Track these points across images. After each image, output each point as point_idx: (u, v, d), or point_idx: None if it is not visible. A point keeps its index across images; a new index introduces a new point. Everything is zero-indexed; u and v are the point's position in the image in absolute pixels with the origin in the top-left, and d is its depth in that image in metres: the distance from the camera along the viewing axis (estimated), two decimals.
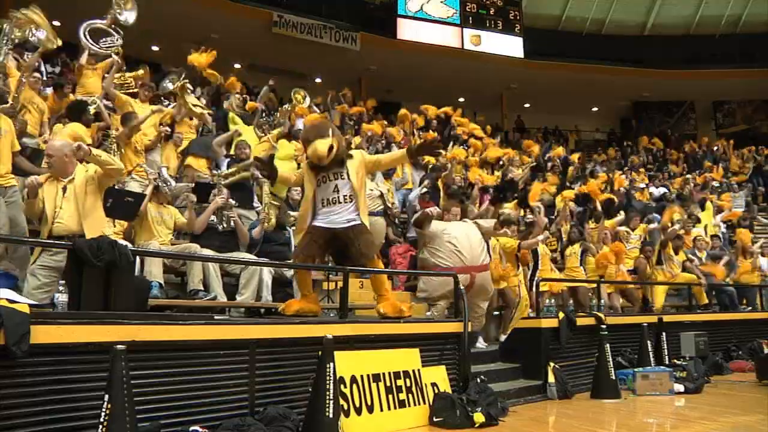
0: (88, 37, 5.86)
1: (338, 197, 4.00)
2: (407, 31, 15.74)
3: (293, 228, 5.27)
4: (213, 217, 4.81)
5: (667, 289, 8.05)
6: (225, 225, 4.83)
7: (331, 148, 3.86)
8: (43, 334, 2.47)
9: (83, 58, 6.20)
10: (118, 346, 2.47)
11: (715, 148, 16.88)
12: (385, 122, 11.36)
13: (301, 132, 4.11)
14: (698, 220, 10.30)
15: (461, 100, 17.39)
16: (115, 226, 4.16)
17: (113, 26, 5.92)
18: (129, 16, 5.88)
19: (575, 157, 13.24)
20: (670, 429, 4.21)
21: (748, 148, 16.29)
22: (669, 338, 6.31)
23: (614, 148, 17.23)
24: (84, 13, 5.94)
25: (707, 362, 6.37)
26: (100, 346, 2.61)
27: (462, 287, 4.62)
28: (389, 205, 6.84)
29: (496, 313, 6.06)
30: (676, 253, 8.09)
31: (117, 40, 5.92)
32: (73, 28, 5.95)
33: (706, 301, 8.13)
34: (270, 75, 10.52)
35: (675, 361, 6.08)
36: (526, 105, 19.02)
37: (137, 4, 5.91)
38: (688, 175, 14.04)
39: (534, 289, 6.08)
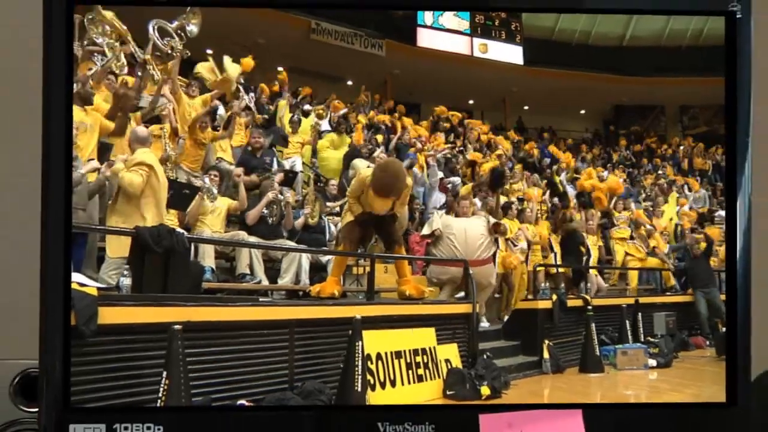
0: (156, 31, 5.73)
1: None
2: (425, 39, 15.45)
3: (328, 217, 5.21)
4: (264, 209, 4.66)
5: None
6: (275, 219, 4.68)
7: (390, 209, 4.00)
8: (109, 315, 2.36)
9: (148, 49, 6.02)
10: (175, 326, 2.39)
11: (681, 147, 16.63)
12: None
13: (379, 169, 4.13)
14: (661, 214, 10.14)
15: (471, 102, 17.17)
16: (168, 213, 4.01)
17: (179, 31, 5.76)
18: (194, 28, 5.77)
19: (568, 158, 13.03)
20: (644, 399, 4.17)
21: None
22: (644, 318, 6.21)
23: (599, 147, 17.03)
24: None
25: (675, 339, 6.27)
26: (159, 326, 2.48)
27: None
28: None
29: (498, 296, 5.96)
30: (650, 237, 8.03)
31: (178, 43, 5.76)
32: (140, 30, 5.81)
33: (673, 283, 8.05)
34: (310, 78, 10.35)
35: (649, 338, 5.98)
36: (525, 107, 18.74)
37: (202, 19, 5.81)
38: (659, 172, 13.84)
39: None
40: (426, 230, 5.08)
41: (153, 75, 5.52)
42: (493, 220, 5.36)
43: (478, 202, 5.70)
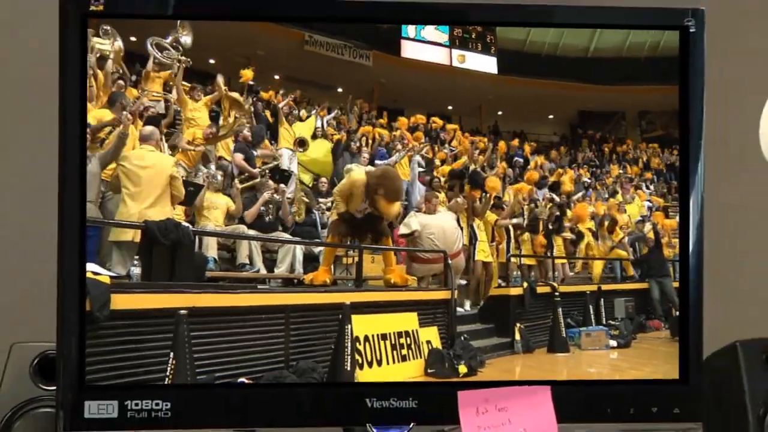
0: (154, 47, 5.68)
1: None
2: (409, 50, 15.47)
3: (319, 211, 5.18)
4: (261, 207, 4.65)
5: (604, 263, 8.03)
6: (272, 217, 4.67)
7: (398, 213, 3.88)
8: (121, 301, 2.34)
9: (149, 65, 5.96)
10: (181, 311, 2.40)
11: (639, 150, 16.73)
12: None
13: (379, 175, 4.09)
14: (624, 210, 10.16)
15: (450, 108, 17.17)
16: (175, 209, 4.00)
17: (174, 44, 5.72)
18: (187, 40, 5.70)
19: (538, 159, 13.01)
20: (607, 376, 4.18)
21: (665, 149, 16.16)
22: (605, 303, 6.24)
23: (565, 148, 17.13)
24: (152, 33, 5.78)
25: (634, 322, 6.30)
26: (166, 311, 2.47)
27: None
28: None
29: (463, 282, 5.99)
30: (611, 232, 8.02)
31: (174, 54, 5.72)
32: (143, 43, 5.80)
33: (632, 273, 8.09)
34: (303, 86, 10.33)
35: (610, 321, 6.01)
36: (500, 113, 18.80)
37: (193, 31, 5.75)
38: (620, 170, 13.92)
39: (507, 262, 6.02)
40: (404, 230, 5.00)
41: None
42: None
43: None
